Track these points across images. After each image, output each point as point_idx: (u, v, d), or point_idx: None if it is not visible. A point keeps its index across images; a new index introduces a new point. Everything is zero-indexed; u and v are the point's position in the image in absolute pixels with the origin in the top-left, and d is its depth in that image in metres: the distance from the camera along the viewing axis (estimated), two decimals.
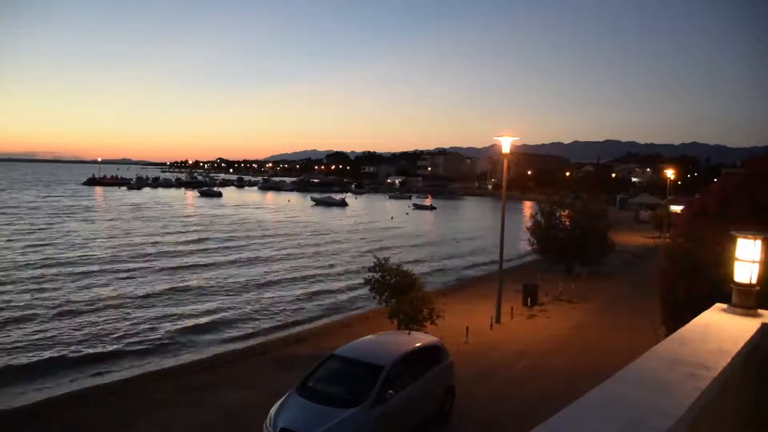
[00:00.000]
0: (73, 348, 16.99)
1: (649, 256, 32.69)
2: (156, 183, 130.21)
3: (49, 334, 18.03)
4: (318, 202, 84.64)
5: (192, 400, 12.63)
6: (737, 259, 4.52)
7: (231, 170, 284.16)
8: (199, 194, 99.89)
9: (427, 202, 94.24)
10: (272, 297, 24.46)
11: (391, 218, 65.51)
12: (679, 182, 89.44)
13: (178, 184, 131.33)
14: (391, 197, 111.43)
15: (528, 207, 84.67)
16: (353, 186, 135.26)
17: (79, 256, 32.04)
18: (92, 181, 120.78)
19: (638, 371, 2.66)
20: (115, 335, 18.26)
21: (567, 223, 29.88)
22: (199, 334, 18.88)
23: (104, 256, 32.65)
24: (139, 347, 17.32)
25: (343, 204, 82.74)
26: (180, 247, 37.09)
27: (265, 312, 22.05)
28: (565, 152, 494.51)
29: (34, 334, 17.95)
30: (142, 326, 19.24)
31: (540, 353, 15.85)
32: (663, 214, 43.82)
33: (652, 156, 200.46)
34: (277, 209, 75.54)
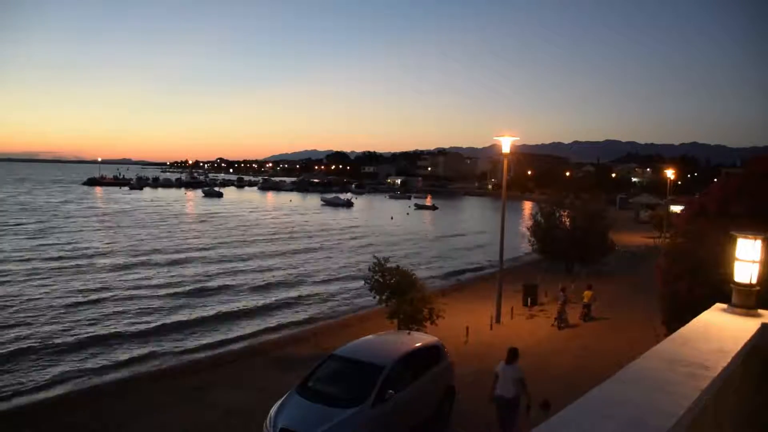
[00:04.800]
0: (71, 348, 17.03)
1: (649, 256, 32.64)
2: (156, 183, 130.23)
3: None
4: (327, 203, 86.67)
5: (192, 400, 12.62)
6: (737, 259, 4.52)
7: (231, 170, 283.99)
8: (203, 194, 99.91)
9: (428, 201, 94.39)
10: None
11: (391, 218, 65.43)
12: (679, 182, 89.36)
13: (179, 184, 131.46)
14: (391, 197, 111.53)
15: (528, 207, 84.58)
16: (353, 186, 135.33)
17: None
18: (92, 182, 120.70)
19: (638, 371, 2.66)
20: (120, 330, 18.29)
21: (567, 223, 29.85)
22: (201, 332, 18.91)
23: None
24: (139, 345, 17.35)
25: (349, 204, 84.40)
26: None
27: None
28: (565, 152, 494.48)
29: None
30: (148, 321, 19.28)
31: (540, 353, 15.82)
32: (663, 214, 43.79)
33: (652, 156, 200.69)
34: (304, 212, 71.68)
